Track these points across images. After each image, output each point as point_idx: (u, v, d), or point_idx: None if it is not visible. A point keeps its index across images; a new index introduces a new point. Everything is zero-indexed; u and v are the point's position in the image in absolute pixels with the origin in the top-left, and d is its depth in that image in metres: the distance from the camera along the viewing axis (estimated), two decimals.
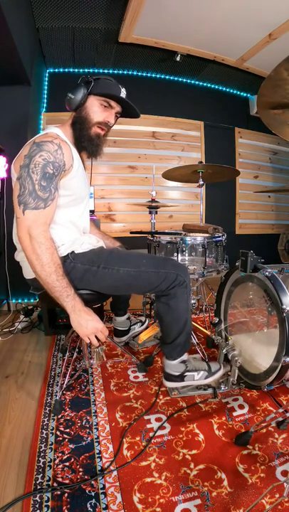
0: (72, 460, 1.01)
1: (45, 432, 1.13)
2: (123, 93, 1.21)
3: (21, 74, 2.21)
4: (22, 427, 1.16)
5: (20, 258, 1.20)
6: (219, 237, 1.63)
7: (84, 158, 1.31)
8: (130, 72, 3.23)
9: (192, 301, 1.54)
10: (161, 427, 1.16)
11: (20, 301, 2.53)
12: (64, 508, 0.84)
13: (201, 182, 1.89)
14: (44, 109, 2.98)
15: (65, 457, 1.02)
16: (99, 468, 0.98)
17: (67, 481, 0.93)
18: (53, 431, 1.13)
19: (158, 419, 1.20)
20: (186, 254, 1.64)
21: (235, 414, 1.23)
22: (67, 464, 0.99)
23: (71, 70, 3.07)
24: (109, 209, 3.27)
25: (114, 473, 0.96)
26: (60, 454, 1.03)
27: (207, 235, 1.62)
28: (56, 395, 1.34)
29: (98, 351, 1.34)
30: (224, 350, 1.29)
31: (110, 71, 3.15)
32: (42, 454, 1.02)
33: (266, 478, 0.93)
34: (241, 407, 1.27)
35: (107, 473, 0.95)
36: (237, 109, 3.63)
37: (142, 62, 3.03)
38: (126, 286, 1.22)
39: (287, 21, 2.23)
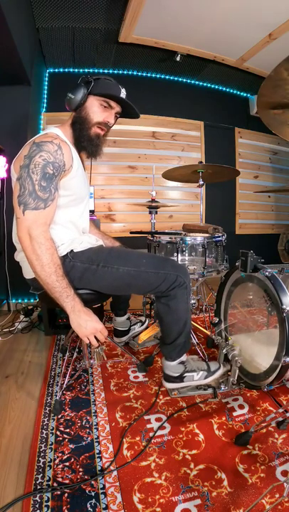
0: (72, 460, 1.01)
1: (45, 432, 1.13)
2: (123, 93, 1.21)
3: (21, 74, 2.21)
4: (22, 427, 1.16)
5: (20, 258, 1.20)
6: (219, 237, 1.63)
7: (84, 158, 1.31)
8: (130, 72, 3.23)
9: (192, 301, 1.54)
10: (161, 427, 1.16)
11: (20, 301, 2.53)
12: (64, 508, 0.84)
13: (201, 182, 1.89)
14: (44, 109, 2.98)
15: (65, 457, 1.02)
16: (99, 468, 0.98)
17: (67, 481, 0.93)
18: (53, 431, 1.13)
19: (158, 419, 1.20)
20: (186, 254, 1.64)
21: (235, 414, 1.23)
22: (67, 464, 0.99)
23: (71, 70, 3.07)
24: (109, 209, 3.27)
25: (114, 473, 0.96)
26: (60, 454, 1.03)
27: (207, 235, 1.62)
28: (56, 395, 1.34)
29: (98, 351, 1.33)
30: (224, 350, 1.29)
31: (110, 71, 3.15)
32: (42, 454, 1.02)
33: (266, 478, 0.93)
34: (241, 407, 1.27)
35: (107, 473, 0.95)
36: (237, 109, 3.63)
37: (142, 62, 3.03)
38: (126, 285, 1.21)
39: (287, 21, 2.23)
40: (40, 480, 0.92)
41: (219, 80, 3.37)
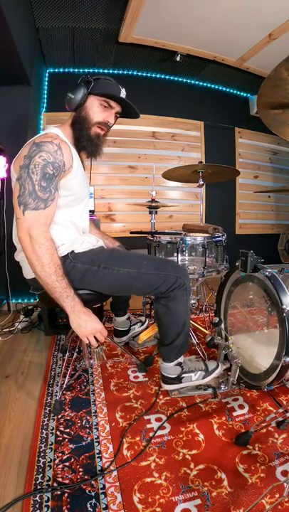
0: (72, 460, 1.01)
1: (45, 432, 1.13)
2: (123, 93, 1.21)
3: (21, 74, 2.21)
4: (22, 427, 1.16)
5: (20, 258, 1.20)
6: (219, 237, 1.63)
7: (84, 158, 1.31)
8: (130, 72, 3.23)
9: (192, 302, 1.54)
10: (161, 427, 1.16)
11: (20, 301, 2.53)
12: (64, 508, 0.84)
13: (201, 182, 1.89)
14: (44, 109, 2.98)
15: (65, 457, 1.02)
16: (99, 468, 0.98)
17: (67, 481, 0.93)
18: (53, 431, 1.13)
19: (158, 419, 1.20)
20: (186, 254, 1.64)
21: (235, 414, 1.23)
22: (67, 464, 0.99)
23: (71, 70, 3.07)
24: (109, 209, 3.27)
25: (114, 473, 0.96)
26: (60, 454, 1.03)
27: (207, 235, 1.62)
28: (56, 395, 1.34)
29: (98, 351, 1.34)
30: (224, 350, 1.29)
31: (110, 71, 3.15)
32: (42, 454, 1.02)
33: (266, 478, 0.93)
34: (241, 407, 1.27)
35: (107, 473, 0.95)
36: (237, 109, 3.63)
37: (142, 62, 3.03)
38: (126, 286, 1.22)
39: (287, 21, 2.23)
40: (40, 480, 0.92)
41: (219, 79, 3.37)
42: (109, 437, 1.11)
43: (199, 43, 2.67)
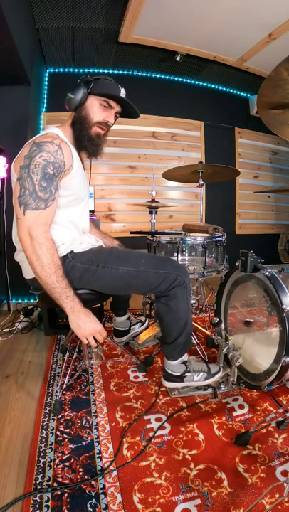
0: (72, 460, 1.01)
1: (45, 432, 1.13)
2: (123, 93, 1.21)
3: (21, 74, 2.21)
4: (22, 427, 1.16)
5: (20, 258, 1.20)
6: (219, 237, 1.63)
7: (84, 158, 1.31)
8: (130, 72, 3.23)
9: (192, 301, 1.54)
10: (161, 427, 1.16)
11: (20, 301, 2.53)
12: (64, 508, 0.84)
13: (201, 182, 1.89)
14: (44, 109, 2.98)
15: (65, 457, 1.02)
16: (99, 468, 0.98)
17: (67, 481, 0.93)
18: (53, 431, 1.14)
19: (158, 419, 1.20)
20: (186, 254, 1.64)
21: (235, 414, 1.23)
22: (67, 464, 0.99)
23: (71, 70, 3.07)
24: (109, 209, 3.27)
25: (114, 473, 0.96)
26: (60, 454, 1.03)
27: (207, 235, 1.62)
28: (56, 395, 1.34)
29: (96, 351, 1.34)
30: (224, 350, 1.29)
31: (110, 71, 3.15)
32: (42, 454, 1.02)
33: (266, 478, 0.93)
34: (241, 407, 1.27)
35: (107, 473, 0.95)
36: (237, 109, 3.63)
37: (142, 62, 3.03)
38: (125, 285, 1.21)
39: (287, 21, 2.23)
40: (40, 480, 0.92)
41: (219, 79, 3.37)
42: (109, 437, 1.11)
43: (199, 43, 2.67)
